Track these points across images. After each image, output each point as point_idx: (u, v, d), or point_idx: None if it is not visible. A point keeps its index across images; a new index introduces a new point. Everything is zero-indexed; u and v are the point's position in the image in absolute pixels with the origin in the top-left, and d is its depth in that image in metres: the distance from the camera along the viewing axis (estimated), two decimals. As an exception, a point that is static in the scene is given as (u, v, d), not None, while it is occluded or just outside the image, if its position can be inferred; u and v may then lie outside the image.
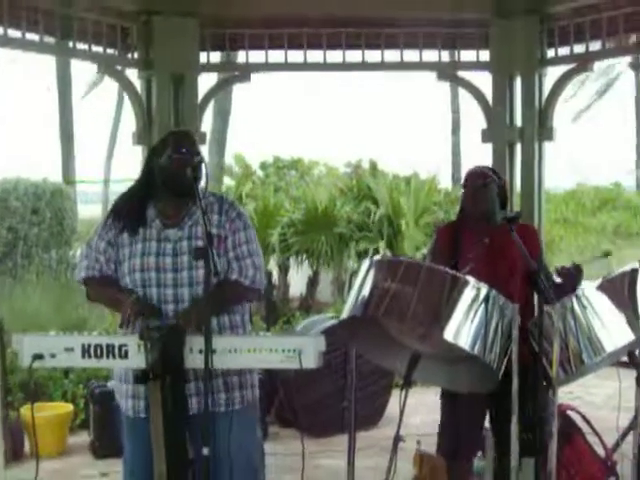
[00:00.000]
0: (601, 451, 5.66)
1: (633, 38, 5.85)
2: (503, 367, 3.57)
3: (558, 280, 4.39)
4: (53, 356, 3.45)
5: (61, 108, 22.92)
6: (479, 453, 5.58)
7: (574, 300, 3.67)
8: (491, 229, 4.37)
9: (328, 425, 6.63)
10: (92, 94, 28.97)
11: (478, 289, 3.52)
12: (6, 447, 6.10)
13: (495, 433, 4.54)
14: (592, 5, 5.97)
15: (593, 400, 7.67)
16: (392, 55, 6.55)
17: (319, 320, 7.33)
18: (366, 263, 3.72)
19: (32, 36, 6.02)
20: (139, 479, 3.71)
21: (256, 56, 6.68)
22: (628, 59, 28.49)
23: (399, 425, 3.66)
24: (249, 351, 3.41)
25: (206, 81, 6.84)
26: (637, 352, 4.11)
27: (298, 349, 3.38)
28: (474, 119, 6.98)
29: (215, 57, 6.91)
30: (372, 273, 3.62)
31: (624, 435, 5.58)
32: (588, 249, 19.60)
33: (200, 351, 3.32)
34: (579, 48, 6.17)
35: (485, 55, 6.48)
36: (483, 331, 3.48)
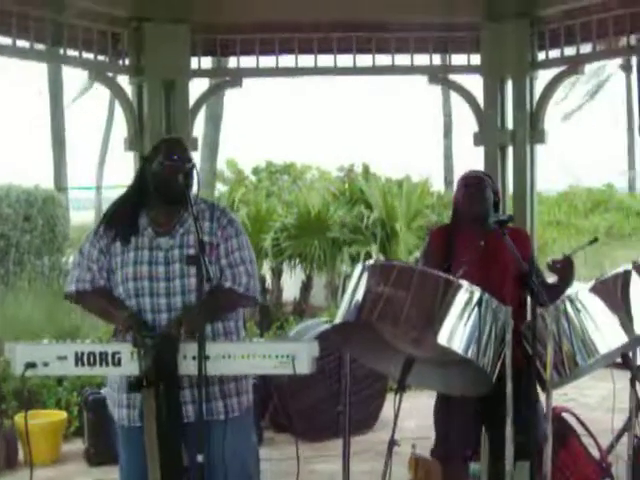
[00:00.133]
0: (596, 453, 5.66)
1: (623, 40, 5.86)
2: (497, 370, 3.57)
3: (550, 281, 4.40)
4: (46, 364, 3.44)
5: (53, 115, 22.89)
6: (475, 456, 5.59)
7: (567, 302, 3.67)
8: (484, 232, 4.38)
9: (323, 430, 6.62)
10: (83, 100, 29.01)
11: (471, 292, 3.52)
12: (0, 455, 6.09)
13: (490, 436, 4.54)
14: (582, 7, 5.98)
15: (587, 402, 7.68)
16: (383, 59, 6.56)
17: (312, 325, 7.33)
18: (359, 268, 3.72)
19: (23, 43, 6.01)
20: (135, 487, 3.70)
21: (247, 61, 6.68)
22: (619, 61, 28.68)
23: (394, 429, 3.65)
24: (243, 357, 3.41)
25: (197, 87, 6.84)
26: (631, 354, 4.12)
27: (291, 355, 3.38)
28: (466, 122, 7.00)
29: (206, 63, 6.92)
30: (365, 278, 3.62)
31: (619, 436, 5.58)
32: (582, 252, 19.61)
33: (194, 358, 3.32)
34: (570, 51, 6.19)
35: (476, 58, 6.49)
36: (477, 334, 3.48)
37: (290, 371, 3.38)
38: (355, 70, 6.60)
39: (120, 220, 3.73)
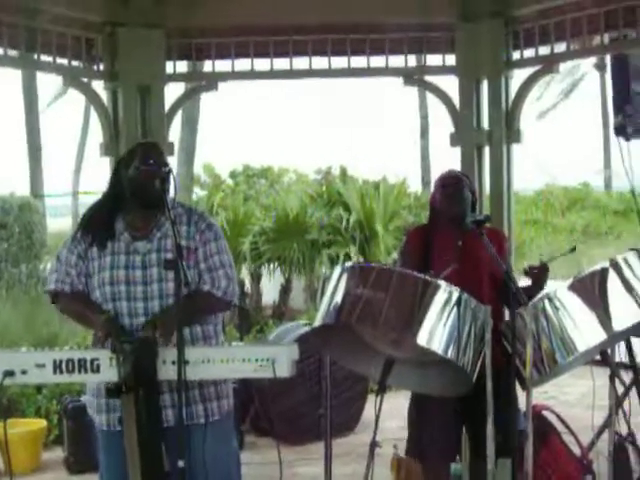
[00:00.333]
0: (577, 450, 5.69)
1: (597, 39, 5.89)
2: (477, 370, 3.57)
3: (522, 284, 4.41)
4: (24, 372, 3.41)
5: (28, 121, 22.76)
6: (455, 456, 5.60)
7: (546, 301, 3.68)
8: (462, 232, 4.39)
9: (304, 433, 6.62)
10: (59, 106, 28.89)
11: (450, 292, 3.52)
12: (-21, 465, 6.04)
13: (470, 436, 4.55)
14: (556, 7, 6.01)
15: (567, 399, 7.72)
16: (359, 61, 6.56)
17: (292, 328, 7.32)
18: (338, 270, 3.72)
19: (-5, 49, 5.97)
20: (115, 493, 3.68)
21: (223, 65, 6.66)
22: (593, 60, 28.86)
23: (375, 430, 3.66)
24: (222, 361, 3.40)
25: (173, 91, 6.82)
26: (609, 351, 4.14)
27: (271, 358, 3.37)
28: (442, 123, 7.01)
29: (182, 67, 6.90)
30: (344, 280, 3.62)
31: (599, 433, 5.62)
32: (558, 249, 19.72)
33: (173, 362, 3.31)
34: (544, 50, 6.21)
35: (451, 59, 6.50)
36: (456, 334, 3.49)
37: (270, 374, 3.37)
38: (330, 72, 6.60)
39: (97, 225, 3.71)
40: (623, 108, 5.50)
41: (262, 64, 6.59)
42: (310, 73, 6.61)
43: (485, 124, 6.41)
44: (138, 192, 3.62)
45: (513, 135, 6.34)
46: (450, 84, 6.50)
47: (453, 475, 5.49)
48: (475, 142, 6.36)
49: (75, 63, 6.33)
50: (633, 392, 5.12)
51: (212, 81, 6.72)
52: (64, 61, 6.25)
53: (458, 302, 3.52)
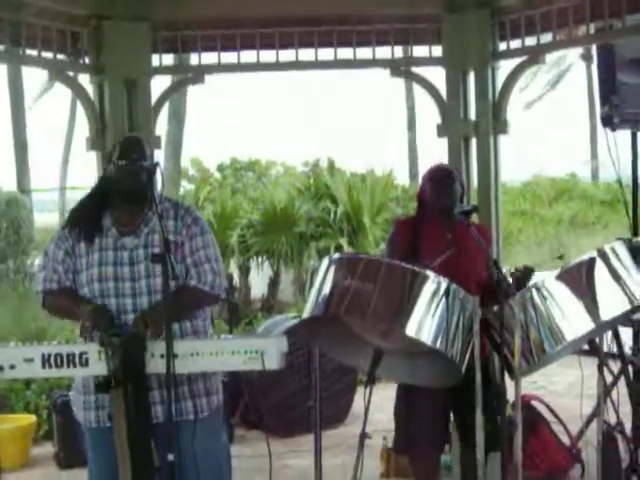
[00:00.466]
0: (566, 439, 5.72)
1: (583, 29, 5.89)
2: (466, 361, 3.58)
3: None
4: (12, 367, 3.41)
5: (14, 116, 22.66)
6: (446, 447, 5.62)
7: (534, 291, 3.69)
8: (450, 224, 4.40)
9: (294, 425, 6.63)
10: (45, 101, 28.75)
11: (438, 283, 3.53)
12: (-32, 461, 6.02)
13: (458, 426, 4.57)
14: (542, -3, 6.01)
15: (556, 389, 7.75)
16: (345, 53, 6.55)
17: (281, 320, 7.32)
18: (325, 261, 3.71)
19: (-20, 44, 5.93)
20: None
21: (209, 57, 6.64)
22: (579, 50, 28.91)
23: (364, 422, 3.66)
24: (211, 354, 3.40)
25: (159, 84, 6.80)
26: (597, 340, 4.15)
27: (260, 350, 3.38)
28: (429, 114, 7.01)
29: (168, 60, 6.87)
30: (332, 271, 3.62)
31: (588, 422, 5.64)
32: (546, 240, 19.79)
33: (162, 356, 3.31)
34: (530, 40, 6.21)
35: (438, 50, 6.49)
36: (445, 325, 3.49)
37: (259, 367, 3.38)
38: (317, 64, 6.59)
39: (84, 221, 3.70)
40: (609, 98, 5.51)
41: (248, 56, 6.57)
42: (297, 65, 6.59)
43: (472, 115, 6.40)
44: (122, 187, 3.61)
45: (500, 126, 6.34)
46: (437, 75, 6.50)
47: (443, 466, 5.51)
48: (462, 133, 6.36)
49: (60, 57, 6.29)
50: (621, 381, 5.16)
51: (198, 74, 6.70)
52: (49, 55, 6.21)
53: (447, 292, 3.53)
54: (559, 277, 3.69)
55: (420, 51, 6.54)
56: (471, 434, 3.76)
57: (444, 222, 4.43)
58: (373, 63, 6.58)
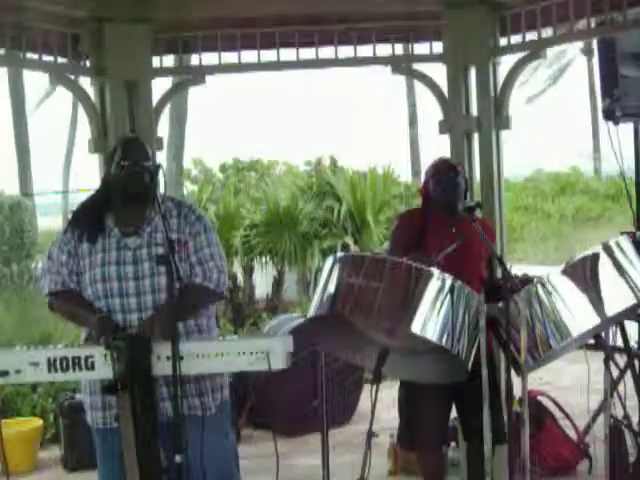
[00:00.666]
0: (573, 434, 5.71)
1: (584, 23, 5.87)
2: (472, 357, 3.58)
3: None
4: (18, 372, 3.40)
5: (15, 120, 22.68)
6: (452, 443, 5.62)
7: (539, 286, 3.68)
8: (455, 219, 4.40)
9: (301, 425, 6.62)
10: (46, 105, 28.76)
11: (443, 280, 3.52)
12: (-24, 466, 6.02)
13: (461, 422, 4.57)
14: (542, -9, 5.99)
15: (563, 384, 7.73)
16: (346, 51, 6.53)
17: (286, 320, 7.32)
18: (330, 260, 3.71)
19: (-21, 49, 5.92)
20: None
21: (209, 58, 6.63)
22: (580, 45, 28.86)
23: (371, 420, 3.66)
24: (217, 355, 3.40)
25: (160, 86, 6.78)
26: (604, 334, 4.14)
27: (266, 350, 3.37)
28: (431, 111, 6.99)
29: (168, 61, 6.86)
30: (337, 270, 3.62)
31: (595, 417, 5.64)
32: (550, 235, 19.79)
33: (168, 358, 3.30)
34: (531, 35, 6.19)
35: (438, 47, 6.48)
36: (450, 322, 3.49)
37: (265, 367, 3.37)
38: (318, 63, 6.57)
39: (86, 222, 3.71)
40: (611, 92, 5.50)
41: (249, 56, 6.56)
42: (298, 64, 6.58)
43: (474, 111, 6.39)
44: (124, 188, 3.62)
45: (502, 121, 6.32)
46: (438, 72, 6.48)
47: (450, 462, 5.51)
48: (464, 129, 6.34)
49: (61, 60, 6.28)
50: (628, 375, 5.14)
51: (199, 74, 6.68)
52: (50, 58, 6.20)
53: (451, 289, 3.52)
54: (564, 272, 3.68)
55: (421, 48, 6.52)
56: (476, 433, 3.76)
57: (448, 217, 4.43)
58: (374, 61, 6.56)
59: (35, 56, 6.09)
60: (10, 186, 20.73)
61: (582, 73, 32.79)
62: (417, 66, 6.65)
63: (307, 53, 6.48)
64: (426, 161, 4.62)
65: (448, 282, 3.53)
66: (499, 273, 4.37)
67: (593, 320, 3.64)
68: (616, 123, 5.55)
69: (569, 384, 7.65)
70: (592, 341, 4.14)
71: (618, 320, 4.26)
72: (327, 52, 6.50)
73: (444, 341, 3.47)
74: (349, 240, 11.24)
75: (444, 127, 6.31)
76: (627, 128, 5.75)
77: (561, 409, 5.90)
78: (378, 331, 3.75)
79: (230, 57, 6.54)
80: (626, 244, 3.80)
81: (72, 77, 6.55)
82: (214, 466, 3.63)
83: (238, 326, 9.02)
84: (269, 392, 6.75)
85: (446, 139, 6.38)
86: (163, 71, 6.65)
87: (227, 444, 3.85)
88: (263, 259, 11.71)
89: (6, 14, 5.83)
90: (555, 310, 3.64)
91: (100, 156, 6.30)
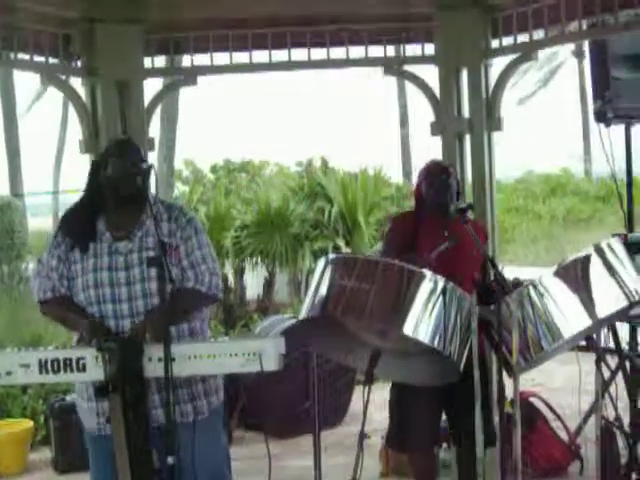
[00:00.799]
0: (565, 436, 5.72)
1: (575, 25, 5.88)
2: (464, 359, 3.58)
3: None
4: (9, 373, 3.39)
5: (6, 122, 22.63)
6: (444, 445, 5.62)
7: (531, 288, 3.68)
8: (447, 221, 4.40)
9: (293, 426, 6.61)
10: (37, 106, 28.69)
11: (435, 282, 3.52)
12: (-34, 467, 6.01)
13: (452, 424, 4.57)
14: (534, -7, 6.00)
15: (554, 385, 7.74)
16: (338, 52, 6.53)
17: (277, 321, 7.32)
18: (322, 262, 3.71)
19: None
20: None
21: (201, 59, 6.62)
22: (571, 47, 28.93)
23: (363, 422, 3.65)
24: (209, 357, 3.39)
25: (152, 86, 6.77)
26: (595, 336, 4.15)
27: (258, 352, 3.37)
28: (422, 112, 6.99)
29: (160, 62, 6.85)
30: (329, 271, 3.61)
31: (586, 418, 5.65)
32: (541, 236, 19.83)
33: (159, 359, 3.29)
34: (523, 37, 6.20)
35: (430, 48, 6.48)
36: (442, 324, 3.49)
37: (257, 368, 3.37)
38: (310, 64, 6.57)
39: (77, 227, 3.69)
40: (603, 94, 5.51)
41: (241, 57, 6.55)
42: (289, 65, 6.57)
43: (466, 112, 6.39)
44: (115, 190, 3.60)
45: (493, 123, 6.33)
46: (429, 73, 6.48)
47: (442, 463, 5.51)
48: (456, 130, 6.35)
49: (53, 60, 6.27)
50: (619, 376, 5.16)
51: (191, 75, 6.68)
52: (41, 58, 6.19)
53: (443, 291, 3.52)
54: (556, 274, 3.68)
55: (413, 50, 6.53)
56: (467, 435, 3.76)
57: (441, 218, 4.44)
58: (366, 62, 6.56)
59: (26, 56, 6.08)
60: (0, 187, 20.72)
61: (573, 75, 32.86)
62: (409, 68, 6.65)
63: (299, 54, 6.48)
64: (417, 162, 4.64)
65: (440, 284, 3.53)
66: (491, 275, 4.37)
67: (585, 322, 3.64)
68: (607, 125, 5.57)
69: (561, 385, 7.66)
70: (584, 342, 4.14)
71: (610, 322, 4.27)
72: (319, 53, 6.50)
73: (436, 343, 3.47)
74: (340, 241, 11.23)
75: (436, 129, 6.31)
76: (618, 130, 5.76)
77: (553, 410, 5.91)
78: (370, 333, 3.75)
79: (222, 58, 6.53)
80: (618, 246, 3.81)
81: (63, 77, 6.54)
82: (206, 468, 3.62)
83: (229, 327, 9.01)
84: (261, 393, 6.75)
85: (438, 140, 6.38)
86: (155, 72, 6.64)
87: (219, 447, 3.84)
88: (254, 260, 11.70)
89: (-3, 15, 5.81)
90: (547, 312, 3.64)
91: (91, 157, 6.29)
